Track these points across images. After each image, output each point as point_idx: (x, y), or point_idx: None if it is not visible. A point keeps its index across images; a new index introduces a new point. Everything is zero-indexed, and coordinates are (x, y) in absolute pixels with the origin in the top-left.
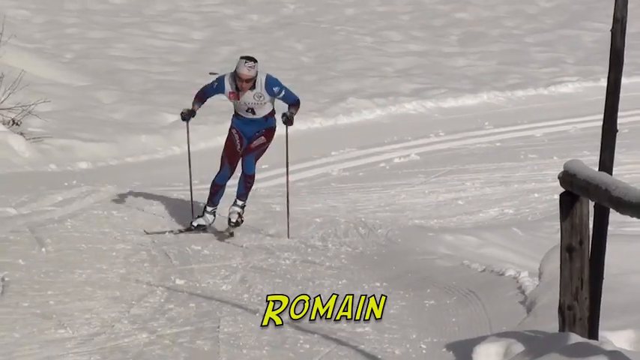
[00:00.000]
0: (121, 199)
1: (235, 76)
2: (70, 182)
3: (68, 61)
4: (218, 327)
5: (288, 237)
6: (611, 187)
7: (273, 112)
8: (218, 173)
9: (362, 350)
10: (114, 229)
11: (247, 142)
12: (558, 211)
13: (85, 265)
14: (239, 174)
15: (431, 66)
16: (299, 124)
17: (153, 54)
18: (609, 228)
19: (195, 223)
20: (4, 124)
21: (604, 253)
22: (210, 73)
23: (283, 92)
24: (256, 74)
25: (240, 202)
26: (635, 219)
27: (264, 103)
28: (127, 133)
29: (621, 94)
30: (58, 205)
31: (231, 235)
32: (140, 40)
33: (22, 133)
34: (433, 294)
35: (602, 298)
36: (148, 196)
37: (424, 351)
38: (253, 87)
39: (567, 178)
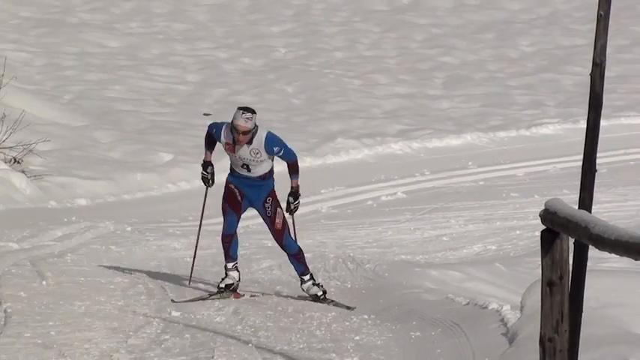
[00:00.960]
0: (118, 234)
1: (232, 127)
2: (70, 218)
3: (67, 102)
4: (212, 357)
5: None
6: (590, 224)
7: (271, 172)
8: (224, 223)
9: None
10: (112, 263)
11: (260, 212)
12: (539, 248)
13: (84, 297)
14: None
15: (416, 108)
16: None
17: (148, 95)
18: (588, 264)
19: (223, 285)
20: (5, 162)
21: (583, 288)
22: (205, 114)
23: (283, 151)
24: (254, 127)
25: (307, 277)
26: (612, 255)
27: (261, 161)
28: (123, 171)
29: (600, 136)
30: (58, 240)
31: (324, 294)
32: (136, 82)
33: (23, 171)
34: (419, 326)
35: (581, 331)
36: (144, 231)
37: None
38: (250, 142)
39: (548, 215)
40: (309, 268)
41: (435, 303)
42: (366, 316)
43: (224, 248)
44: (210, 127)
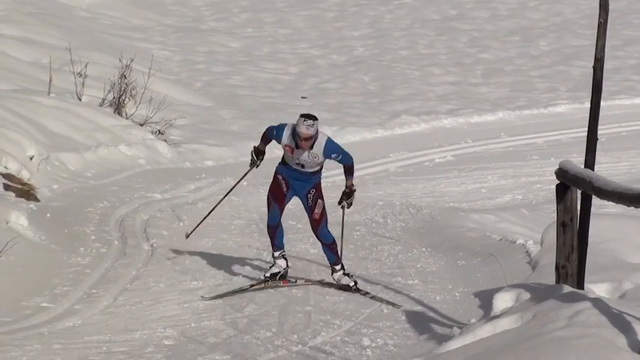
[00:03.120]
0: (237, 187)
1: (295, 132)
2: (200, 175)
3: (198, 88)
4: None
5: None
6: (593, 179)
7: (321, 168)
8: (269, 215)
9: (412, 297)
10: (232, 209)
11: (304, 204)
12: (555, 197)
13: (211, 234)
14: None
15: (461, 92)
16: (367, 133)
17: (260, 83)
18: (592, 209)
19: (268, 274)
20: (152, 133)
21: (588, 227)
22: (302, 97)
23: (340, 157)
24: (316, 132)
25: (338, 267)
26: (610, 202)
27: (318, 163)
28: (241, 140)
29: (600, 113)
30: (191, 192)
31: (356, 284)
32: (251, 73)
33: (165, 140)
34: (464, 256)
35: (586, 260)
36: (257, 185)
37: (457, 297)
38: (311, 147)
39: (561, 173)
40: (341, 258)
41: (476, 239)
42: (424, 249)
43: (270, 237)
44: (270, 129)
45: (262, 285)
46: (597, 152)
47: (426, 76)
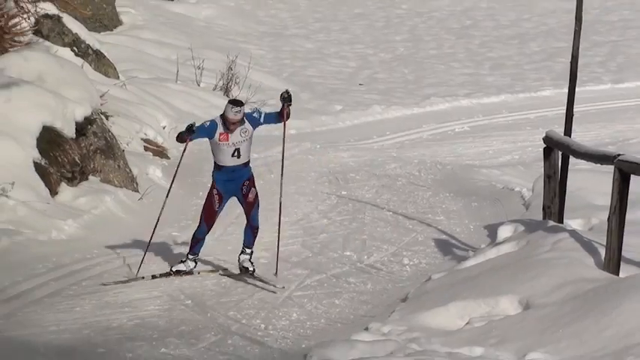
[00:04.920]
0: (313, 149)
1: (224, 119)
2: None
3: (284, 77)
4: (364, 214)
5: (276, 274)
6: (571, 144)
7: (249, 161)
8: (197, 228)
9: (439, 228)
10: (309, 166)
11: (239, 197)
12: (542, 156)
13: (292, 183)
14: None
15: (474, 81)
16: (406, 110)
17: (328, 74)
18: (569, 166)
19: (174, 269)
20: (250, 110)
21: (566, 178)
22: (360, 84)
23: (263, 113)
24: (243, 116)
25: (248, 250)
26: (583, 161)
27: (248, 138)
28: (315, 115)
29: (575, 96)
30: (279, 152)
31: (254, 271)
32: (322, 67)
33: None
34: (476, 199)
35: (565, 202)
36: (327, 147)
37: (471, 229)
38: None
39: (547, 139)
40: (254, 244)
41: (485, 187)
42: (447, 194)
43: (191, 244)
44: (199, 130)
45: (162, 277)
46: (573, 124)
47: (449, 69)
